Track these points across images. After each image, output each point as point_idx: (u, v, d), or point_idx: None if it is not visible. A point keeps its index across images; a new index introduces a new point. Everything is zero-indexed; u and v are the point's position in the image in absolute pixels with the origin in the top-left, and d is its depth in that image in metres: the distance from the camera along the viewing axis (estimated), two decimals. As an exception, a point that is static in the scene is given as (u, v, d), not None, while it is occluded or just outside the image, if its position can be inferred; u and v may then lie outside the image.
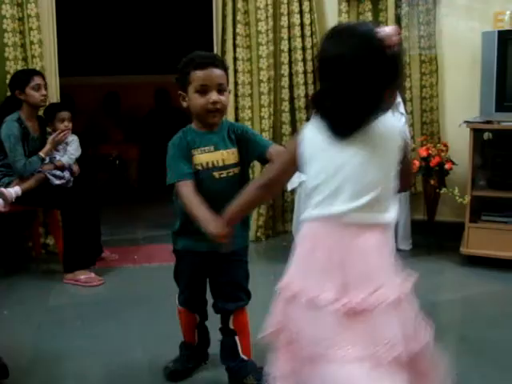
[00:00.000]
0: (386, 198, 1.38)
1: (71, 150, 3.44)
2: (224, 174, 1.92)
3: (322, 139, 1.38)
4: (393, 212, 1.39)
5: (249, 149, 1.95)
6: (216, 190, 1.87)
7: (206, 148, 1.92)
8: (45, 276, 3.39)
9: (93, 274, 3.25)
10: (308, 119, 3.89)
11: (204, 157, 1.91)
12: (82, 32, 6.14)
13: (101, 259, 3.57)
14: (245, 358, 2.04)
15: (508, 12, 3.45)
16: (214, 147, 1.92)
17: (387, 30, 1.30)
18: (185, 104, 1.91)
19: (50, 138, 3.35)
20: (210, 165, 1.91)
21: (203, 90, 1.86)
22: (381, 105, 1.33)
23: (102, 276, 3.27)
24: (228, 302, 2.02)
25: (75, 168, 3.47)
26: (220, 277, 2.03)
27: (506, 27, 3.41)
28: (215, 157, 1.92)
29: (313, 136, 1.41)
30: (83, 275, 3.22)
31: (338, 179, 1.35)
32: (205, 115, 1.90)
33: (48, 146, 3.33)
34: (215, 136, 1.94)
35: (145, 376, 2.23)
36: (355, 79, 1.29)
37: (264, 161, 1.96)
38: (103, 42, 6.26)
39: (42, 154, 3.30)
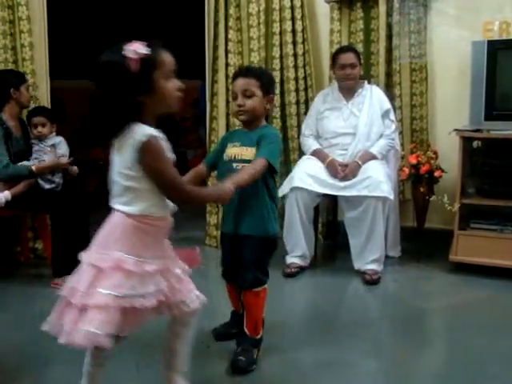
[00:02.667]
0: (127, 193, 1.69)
1: (62, 152, 3.42)
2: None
3: None
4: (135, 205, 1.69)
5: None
6: None
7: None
8: (33, 280, 3.37)
9: (81, 279, 3.23)
10: (299, 125, 3.91)
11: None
12: (74, 35, 6.13)
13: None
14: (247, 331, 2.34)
15: (497, 22, 3.49)
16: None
17: (128, 48, 1.61)
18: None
19: (53, 162, 3.32)
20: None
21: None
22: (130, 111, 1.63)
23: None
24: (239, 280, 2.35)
25: (73, 169, 3.45)
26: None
27: (495, 37, 3.44)
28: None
29: None
30: (72, 280, 3.19)
31: None
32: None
33: (46, 167, 3.29)
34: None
35: (134, 379, 2.22)
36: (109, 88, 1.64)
37: None
38: (95, 45, 6.25)
39: (34, 168, 3.24)
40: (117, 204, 1.73)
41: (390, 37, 3.85)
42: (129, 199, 1.70)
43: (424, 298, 3.15)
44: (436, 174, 3.60)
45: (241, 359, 2.25)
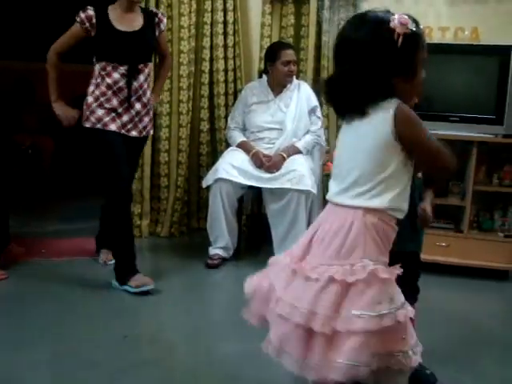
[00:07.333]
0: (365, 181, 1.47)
1: None
2: None
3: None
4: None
5: None
6: None
7: None
8: None
9: (-4, 268, 3.11)
10: (226, 116, 3.91)
11: None
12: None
13: (6, 252, 3.41)
14: None
15: (421, 27, 3.62)
16: None
17: (396, 19, 1.45)
18: None
19: None
20: None
21: None
22: (383, 92, 1.44)
23: (6, 270, 3.13)
24: None
25: None
26: None
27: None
28: None
29: None
30: (-15, 269, 3.07)
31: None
32: None
33: None
34: None
35: (45, 375, 2.16)
36: (363, 64, 1.41)
37: None
38: (15, 24, 5.98)
39: None
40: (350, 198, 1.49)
41: (319, 33, 3.92)
42: (378, 190, 1.46)
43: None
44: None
45: None
